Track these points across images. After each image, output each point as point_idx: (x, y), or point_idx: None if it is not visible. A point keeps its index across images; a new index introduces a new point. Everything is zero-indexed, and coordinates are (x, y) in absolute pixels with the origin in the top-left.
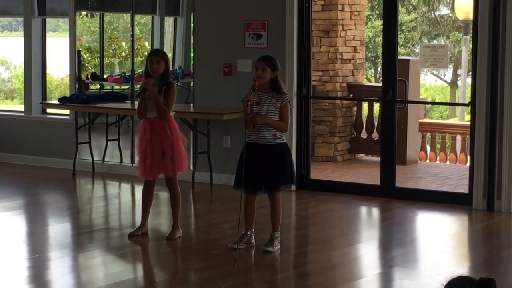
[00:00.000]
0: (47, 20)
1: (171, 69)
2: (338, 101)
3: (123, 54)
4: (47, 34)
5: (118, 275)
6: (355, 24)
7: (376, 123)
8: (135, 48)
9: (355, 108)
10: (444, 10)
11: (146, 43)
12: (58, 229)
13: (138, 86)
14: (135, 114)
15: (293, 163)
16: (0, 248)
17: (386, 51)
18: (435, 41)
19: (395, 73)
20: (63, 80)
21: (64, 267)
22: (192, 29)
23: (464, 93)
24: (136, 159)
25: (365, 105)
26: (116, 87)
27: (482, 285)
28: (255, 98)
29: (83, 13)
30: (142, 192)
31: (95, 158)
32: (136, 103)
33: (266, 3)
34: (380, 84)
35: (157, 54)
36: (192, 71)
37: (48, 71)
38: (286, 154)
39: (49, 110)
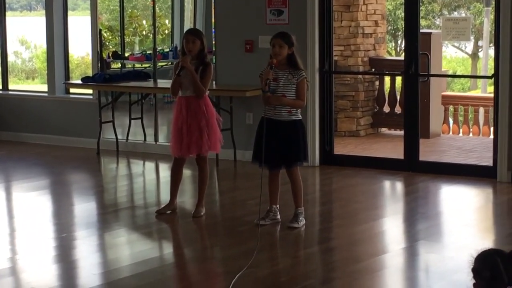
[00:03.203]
0: None
1: (206, 48)
2: (360, 76)
3: (144, 32)
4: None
5: (144, 253)
6: None
7: (398, 97)
8: (156, 26)
9: (377, 83)
10: None
11: (167, 21)
12: (84, 208)
13: (160, 64)
14: (158, 92)
15: (307, 140)
16: (27, 228)
17: (408, 25)
18: (455, 13)
19: (417, 47)
20: (83, 59)
21: (90, 246)
22: (212, 6)
23: (486, 65)
24: (161, 136)
25: (387, 79)
26: (137, 65)
27: None
28: (272, 75)
29: None
30: (172, 170)
31: (119, 137)
32: (159, 81)
33: None
34: (402, 58)
35: (192, 33)
36: (213, 49)
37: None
38: (300, 132)
39: (72, 90)
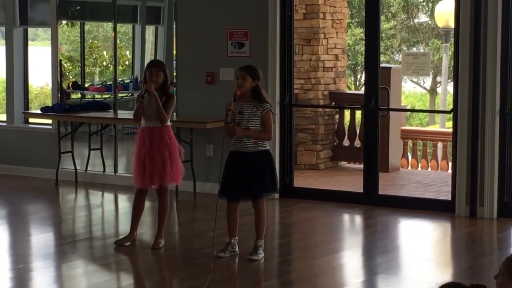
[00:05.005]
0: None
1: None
2: (320, 109)
3: (104, 63)
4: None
5: (102, 285)
6: (336, 32)
7: (358, 131)
8: (117, 57)
9: (337, 116)
10: (423, 18)
11: (127, 52)
12: (41, 239)
13: (120, 95)
14: (118, 123)
15: (275, 171)
16: None
17: (368, 59)
18: (414, 49)
19: (377, 81)
20: (42, 89)
21: (47, 277)
22: (174, 38)
23: (445, 100)
24: (121, 167)
25: (347, 113)
26: (97, 96)
27: None
28: (236, 107)
29: (64, 22)
30: (134, 202)
31: (78, 168)
32: (119, 112)
33: (248, 12)
34: (361, 92)
35: (155, 66)
36: (174, 80)
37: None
38: (267, 162)
39: (31, 120)
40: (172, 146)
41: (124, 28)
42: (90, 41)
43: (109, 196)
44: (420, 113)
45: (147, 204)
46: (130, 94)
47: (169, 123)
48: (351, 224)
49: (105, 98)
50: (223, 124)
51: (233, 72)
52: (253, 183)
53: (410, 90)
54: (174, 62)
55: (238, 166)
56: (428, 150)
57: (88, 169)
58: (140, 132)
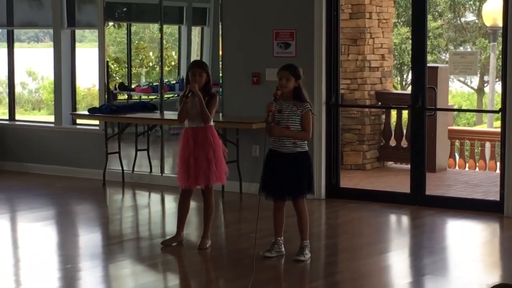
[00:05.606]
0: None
1: (211, 80)
2: (367, 109)
3: (150, 64)
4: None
5: (149, 285)
6: (382, 31)
7: (404, 131)
8: (163, 57)
9: (383, 116)
10: (470, 17)
11: (173, 53)
12: (89, 239)
13: (167, 96)
14: (164, 124)
15: (312, 172)
16: (32, 259)
17: (415, 59)
18: (461, 48)
19: (424, 80)
20: (89, 91)
21: (95, 277)
22: (220, 38)
23: (493, 99)
24: (167, 168)
25: (393, 113)
26: (143, 97)
27: None
28: (276, 107)
29: (110, 23)
30: (179, 203)
31: (124, 168)
32: (166, 112)
33: (294, 12)
34: (408, 92)
35: (199, 66)
36: (220, 81)
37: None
38: (305, 164)
39: (78, 121)
40: (216, 145)
41: (170, 29)
42: (137, 42)
43: (155, 197)
44: (468, 113)
45: (193, 204)
46: (176, 95)
47: (212, 123)
48: (398, 225)
49: (152, 99)
50: None
51: None
52: (291, 184)
53: (457, 90)
54: (220, 62)
55: (276, 165)
56: (476, 150)
57: (135, 169)
58: (184, 132)
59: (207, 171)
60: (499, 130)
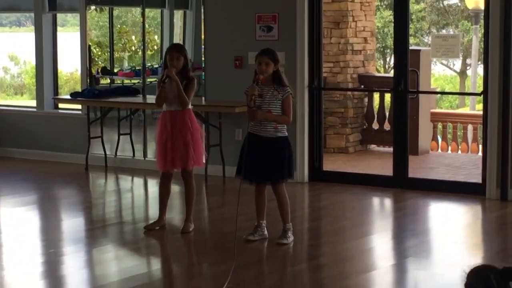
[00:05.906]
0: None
1: (189, 63)
2: (349, 92)
3: (133, 48)
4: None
5: (132, 269)
6: (365, 15)
7: (387, 114)
8: (145, 41)
9: (366, 99)
10: (452, 0)
11: (156, 37)
12: (72, 224)
13: (150, 80)
14: (147, 108)
15: (293, 157)
16: (15, 243)
17: (397, 42)
18: (443, 31)
19: (406, 63)
20: (72, 75)
21: (78, 261)
22: (202, 22)
23: (475, 82)
24: (150, 152)
25: (376, 96)
26: (126, 81)
27: (506, 274)
28: (258, 91)
29: (92, 7)
30: (159, 186)
31: (107, 153)
32: (148, 96)
33: None
34: (390, 75)
35: (176, 50)
36: (203, 65)
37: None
38: (285, 149)
39: (61, 105)
40: (194, 129)
41: (153, 13)
42: (119, 26)
43: (138, 181)
44: (450, 96)
45: (176, 188)
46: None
47: (190, 106)
48: (381, 208)
49: (134, 83)
50: None
51: None
52: (271, 169)
53: (440, 73)
54: (203, 46)
55: (256, 150)
56: (458, 133)
57: (118, 154)
58: (161, 116)
59: (185, 155)
60: (481, 112)
